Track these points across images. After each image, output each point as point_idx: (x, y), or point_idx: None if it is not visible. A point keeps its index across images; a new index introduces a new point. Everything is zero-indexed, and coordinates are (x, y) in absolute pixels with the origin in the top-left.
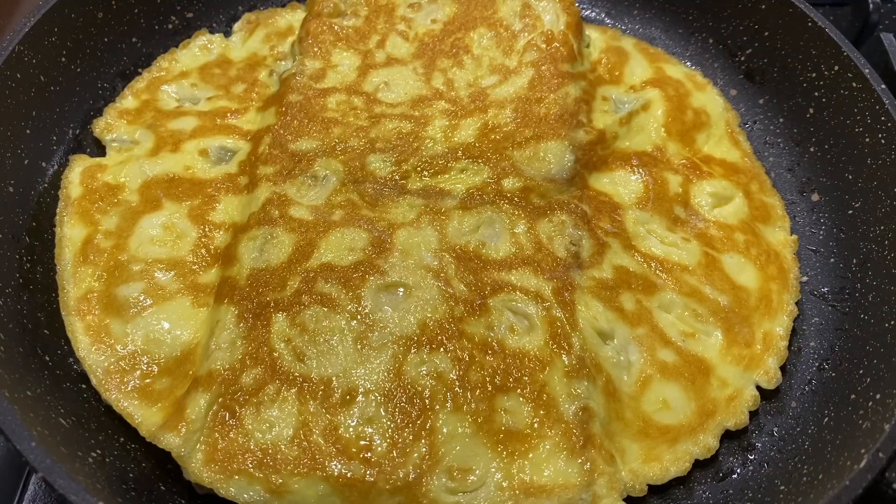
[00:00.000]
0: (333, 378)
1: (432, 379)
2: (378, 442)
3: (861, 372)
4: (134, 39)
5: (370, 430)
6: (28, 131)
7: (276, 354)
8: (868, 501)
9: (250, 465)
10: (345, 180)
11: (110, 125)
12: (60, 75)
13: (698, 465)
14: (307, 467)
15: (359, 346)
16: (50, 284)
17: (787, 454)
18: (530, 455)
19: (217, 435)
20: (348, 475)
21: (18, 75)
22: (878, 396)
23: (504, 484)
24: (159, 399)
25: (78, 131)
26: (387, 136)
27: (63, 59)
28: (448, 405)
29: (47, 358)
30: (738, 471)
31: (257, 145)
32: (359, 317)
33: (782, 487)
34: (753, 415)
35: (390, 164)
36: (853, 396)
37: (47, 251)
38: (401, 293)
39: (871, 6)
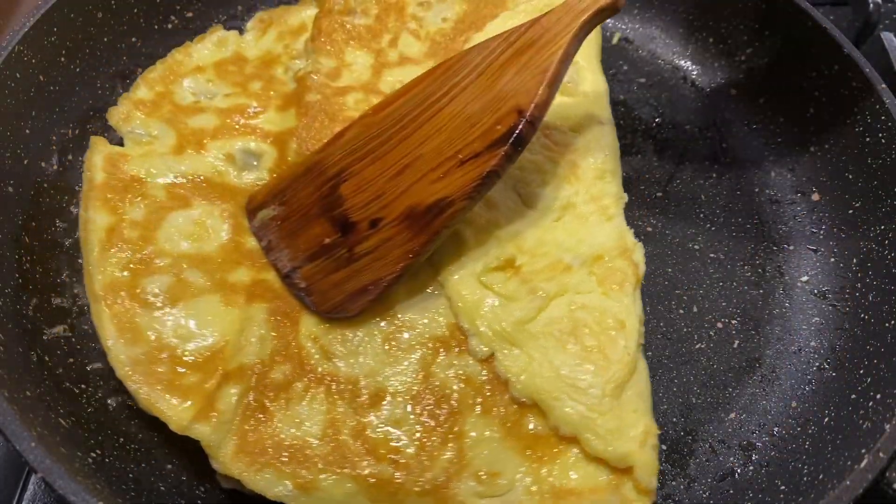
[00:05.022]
0: (361, 378)
1: (461, 382)
2: (406, 444)
3: (861, 372)
4: (134, 39)
5: (398, 432)
6: (27, 131)
7: (303, 352)
8: (868, 501)
9: (280, 460)
10: None
11: (127, 115)
12: (60, 75)
13: (699, 464)
14: (336, 465)
15: (387, 347)
16: (50, 284)
17: (788, 454)
18: (558, 460)
19: (247, 427)
20: (377, 476)
21: (18, 75)
22: (878, 396)
23: (533, 488)
24: (188, 393)
25: (77, 131)
26: None
27: (62, 59)
28: (477, 409)
29: (47, 358)
30: (739, 471)
31: (284, 151)
32: (388, 317)
33: (783, 487)
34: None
35: None
36: (853, 396)
37: (47, 251)
38: (431, 293)
39: (871, 6)
